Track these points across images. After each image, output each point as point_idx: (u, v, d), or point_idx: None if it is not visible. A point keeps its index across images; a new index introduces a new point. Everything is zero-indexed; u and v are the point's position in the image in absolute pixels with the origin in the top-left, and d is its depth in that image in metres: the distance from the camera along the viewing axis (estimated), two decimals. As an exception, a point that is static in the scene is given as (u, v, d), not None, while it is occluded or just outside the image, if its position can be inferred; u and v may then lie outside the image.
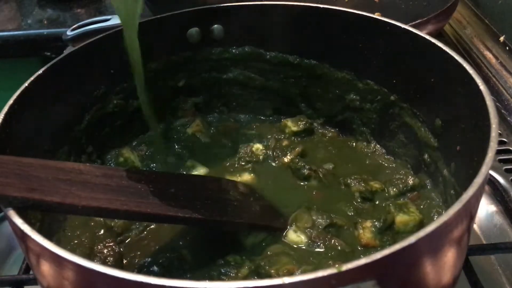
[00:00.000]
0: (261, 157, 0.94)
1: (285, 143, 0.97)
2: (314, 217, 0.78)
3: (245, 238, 0.77)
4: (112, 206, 0.64)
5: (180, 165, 0.94)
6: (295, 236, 0.77)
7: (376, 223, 0.77)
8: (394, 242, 0.71)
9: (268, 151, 0.95)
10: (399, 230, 0.77)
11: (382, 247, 0.75)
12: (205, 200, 0.75)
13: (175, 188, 0.73)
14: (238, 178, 0.90)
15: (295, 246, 0.76)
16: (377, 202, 0.83)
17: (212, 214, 0.73)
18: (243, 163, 0.93)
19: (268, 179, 0.90)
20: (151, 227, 0.81)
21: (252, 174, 0.91)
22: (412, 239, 0.47)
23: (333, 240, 0.75)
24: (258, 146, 0.96)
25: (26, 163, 0.61)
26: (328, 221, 0.77)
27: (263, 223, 0.79)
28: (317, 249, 0.75)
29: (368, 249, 0.75)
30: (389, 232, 0.77)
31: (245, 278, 0.69)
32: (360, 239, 0.76)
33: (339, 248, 0.75)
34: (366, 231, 0.77)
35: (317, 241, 0.76)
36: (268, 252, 0.74)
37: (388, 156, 0.93)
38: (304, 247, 0.76)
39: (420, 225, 0.76)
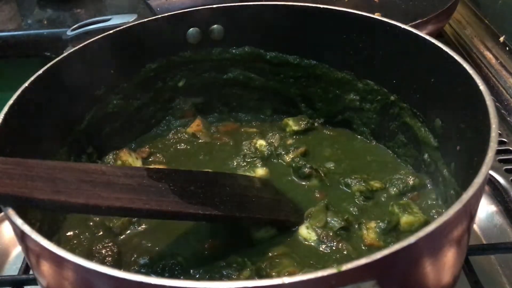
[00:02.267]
0: (265, 153, 0.94)
1: (289, 141, 0.97)
2: (329, 218, 0.78)
3: (256, 232, 0.77)
4: (135, 206, 0.64)
5: (183, 166, 0.93)
6: (305, 232, 0.77)
7: (380, 224, 0.77)
8: (398, 242, 0.71)
9: (271, 148, 0.95)
10: (404, 230, 0.77)
11: (386, 247, 0.75)
12: (224, 196, 0.75)
13: (194, 186, 0.74)
14: (252, 174, 0.90)
15: (301, 244, 0.76)
16: (379, 201, 0.83)
17: (232, 210, 0.74)
18: (248, 160, 0.93)
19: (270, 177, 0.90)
20: (150, 226, 0.81)
21: (265, 168, 0.90)
22: (412, 239, 0.47)
23: (340, 244, 0.75)
24: (261, 142, 0.96)
25: (50, 166, 0.62)
26: (343, 223, 0.77)
27: (281, 218, 0.80)
28: (323, 250, 0.75)
29: (372, 249, 0.75)
30: (393, 233, 0.77)
31: (247, 280, 0.69)
32: (364, 239, 0.76)
33: (344, 252, 0.74)
34: (370, 232, 0.77)
35: (325, 241, 0.76)
36: (270, 254, 0.74)
37: (388, 156, 0.93)
38: (310, 246, 0.76)
39: (425, 225, 0.76)
